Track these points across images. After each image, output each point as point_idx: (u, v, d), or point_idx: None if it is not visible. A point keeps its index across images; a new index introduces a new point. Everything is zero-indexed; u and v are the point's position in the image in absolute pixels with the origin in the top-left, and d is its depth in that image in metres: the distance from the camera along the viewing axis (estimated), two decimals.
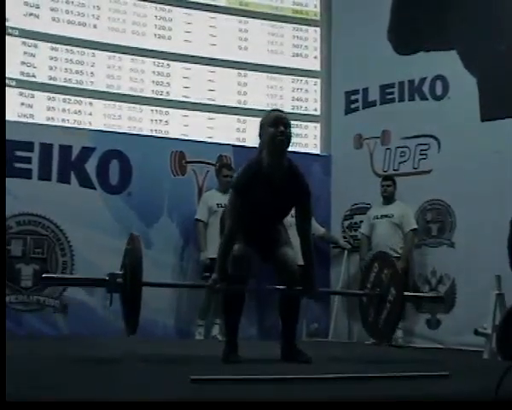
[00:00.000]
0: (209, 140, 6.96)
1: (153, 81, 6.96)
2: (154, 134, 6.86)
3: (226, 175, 6.40)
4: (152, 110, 6.94)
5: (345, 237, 7.09)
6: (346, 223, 7.10)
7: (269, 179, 3.84)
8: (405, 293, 4.47)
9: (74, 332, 5.98)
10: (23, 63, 6.60)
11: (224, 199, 6.35)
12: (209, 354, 4.28)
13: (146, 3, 6.99)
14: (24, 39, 6.62)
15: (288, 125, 3.86)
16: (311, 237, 4.08)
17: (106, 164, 6.52)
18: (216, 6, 7.23)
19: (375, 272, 4.37)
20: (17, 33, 6.60)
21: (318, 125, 7.38)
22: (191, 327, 6.46)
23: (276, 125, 3.82)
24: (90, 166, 6.48)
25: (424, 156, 6.68)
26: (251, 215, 3.88)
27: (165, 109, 6.96)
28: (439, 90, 6.69)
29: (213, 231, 6.07)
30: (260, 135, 3.92)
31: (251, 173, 3.87)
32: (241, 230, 3.89)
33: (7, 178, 6.07)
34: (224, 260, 3.87)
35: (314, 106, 7.40)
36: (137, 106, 6.90)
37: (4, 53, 4.08)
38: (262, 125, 3.91)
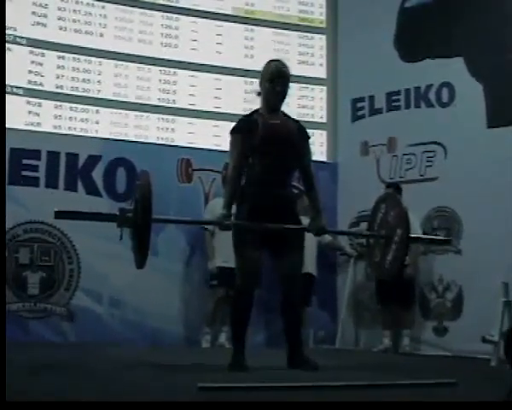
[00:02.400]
0: (216, 148, 6.97)
1: (159, 89, 6.98)
2: (160, 142, 6.87)
3: None
4: (158, 118, 6.96)
5: (351, 245, 7.08)
6: (353, 230, 7.10)
7: (266, 128, 3.88)
8: (412, 235, 4.43)
9: (81, 340, 5.99)
10: (30, 72, 6.63)
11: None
12: (216, 362, 4.27)
13: (153, 12, 7.03)
14: (31, 48, 6.66)
15: (285, 79, 3.95)
16: (313, 172, 4.05)
17: (112, 172, 6.55)
18: (222, 14, 7.25)
19: (382, 213, 4.34)
20: (25, 42, 6.63)
21: (325, 132, 7.38)
22: (199, 335, 6.46)
23: (272, 82, 3.92)
24: (97, 174, 6.51)
25: (430, 163, 6.68)
26: (254, 165, 3.89)
27: (171, 117, 6.98)
28: (445, 98, 6.68)
29: (220, 239, 6.10)
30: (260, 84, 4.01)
31: (248, 119, 3.98)
32: (249, 189, 3.91)
33: (15, 187, 6.16)
34: (230, 195, 3.90)
35: (320, 113, 7.42)
36: (144, 114, 6.92)
37: (4, 56, 4.05)
38: (261, 78, 4.00)
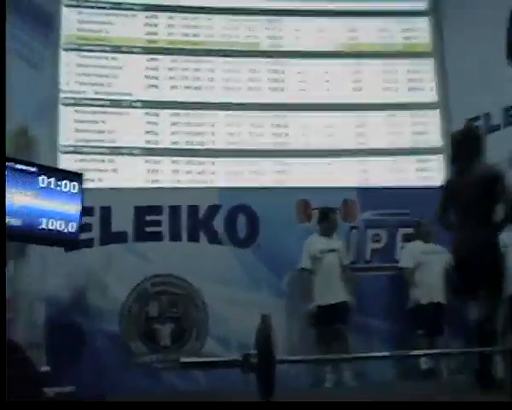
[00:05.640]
0: (332, 185, 6.94)
1: (272, 133, 7.07)
2: (277, 185, 6.93)
3: (331, 219, 6.40)
4: (273, 162, 7.03)
5: None
6: None
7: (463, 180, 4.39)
8: None
9: (214, 388, 6.04)
10: (147, 132, 6.90)
11: (329, 244, 6.38)
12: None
13: (259, 59, 7.15)
14: (146, 110, 6.94)
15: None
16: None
17: (233, 219, 6.65)
18: (328, 52, 7.27)
19: None
20: (140, 105, 6.92)
21: (441, 156, 7.19)
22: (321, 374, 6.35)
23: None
24: (218, 223, 6.63)
25: None
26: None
27: (285, 159, 7.03)
28: None
29: (319, 278, 6.08)
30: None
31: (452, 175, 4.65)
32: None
33: (140, 243, 6.38)
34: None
35: (435, 138, 7.24)
36: (259, 159, 7.01)
37: (4, 55, 4.18)
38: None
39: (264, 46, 7.20)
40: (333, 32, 7.33)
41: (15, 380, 3.88)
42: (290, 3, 7.27)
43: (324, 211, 6.56)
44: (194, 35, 7.08)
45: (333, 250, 6.35)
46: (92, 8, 6.91)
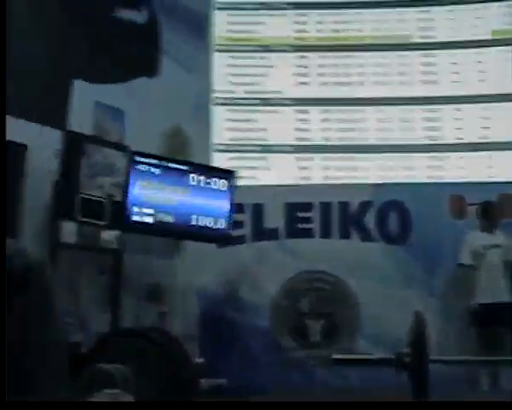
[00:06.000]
0: (489, 179, 6.64)
1: (424, 128, 6.88)
2: (429, 180, 6.73)
3: (493, 214, 6.13)
4: (426, 157, 6.84)
5: None
6: None
7: None
8: None
9: (365, 385, 5.96)
10: (297, 129, 6.94)
11: (491, 239, 6.08)
12: None
13: (409, 52, 6.98)
14: (297, 107, 6.98)
15: None
16: None
17: (384, 216, 6.55)
18: (481, 40, 6.97)
19: None
20: (290, 103, 6.98)
21: None
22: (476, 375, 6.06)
23: None
24: (369, 220, 6.55)
25: None
26: None
27: (439, 154, 6.82)
28: None
29: (482, 274, 5.84)
30: None
31: None
32: None
33: (292, 240, 6.44)
34: None
35: None
36: (411, 154, 6.84)
37: (5, 52, 4.21)
38: None
39: (416, 38, 7.00)
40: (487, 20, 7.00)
41: (175, 371, 4.03)
42: None
43: (485, 206, 6.29)
44: (344, 30, 7.03)
45: (496, 246, 6.08)
46: (242, 9, 7.05)
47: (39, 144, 5.16)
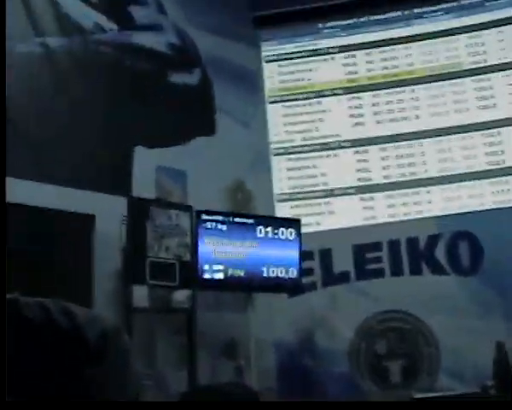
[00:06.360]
0: None
1: (485, 153, 6.77)
2: (497, 206, 6.61)
3: None
4: (491, 182, 6.72)
5: None
6: None
7: None
8: None
9: None
10: (358, 170, 6.93)
11: None
12: None
13: (462, 79, 6.92)
14: (355, 148, 6.98)
15: None
16: None
17: (454, 247, 6.44)
18: None
19: None
20: (348, 145, 6.99)
21: None
22: None
23: None
24: (440, 253, 6.45)
25: None
26: None
27: (504, 179, 6.69)
28: None
29: None
30: None
31: None
32: None
33: (363, 281, 6.39)
34: None
35: None
36: (475, 182, 6.74)
37: (4, 59, 4.25)
38: None
39: (467, 64, 6.95)
40: None
41: None
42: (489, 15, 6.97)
43: None
44: (394, 66, 7.04)
45: None
46: (291, 59, 7.15)
47: (106, 213, 5.32)
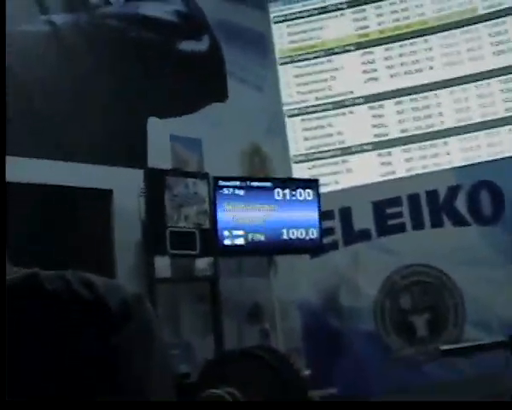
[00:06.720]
0: None
1: (503, 99, 6.66)
2: None
3: None
4: (510, 129, 6.62)
5: None
6: None
7: None
8: None
9: (478, 375, 5.79)
10: (374, 126, 6.86)
11: None
12: None
13: (476, 26, 6.79)
14: (370, 104, 6.90)
15: None
16: None
17: (475, 197, 6.38)
18: None
19: None
20: (362, 101, 6.91)
21: None
22: None
23: None
24: (460, 204, 6.40)
25: None
26: None
27: None
28: None
29: None
30: None
31: None
32: None
33: (384, 238, 6.36)
34: None
35: None
36: (494, 130, 6.65)
37: (4, 55, 4.21)
38: None
39: (482, 9, 6.81)
40: None
41: (285, 386, 4.04)
42: None
43: None
44: (405, 18, 6.92)
45: None
46: (300, 18, 7.05)
47: (123, 187, 5.32)
